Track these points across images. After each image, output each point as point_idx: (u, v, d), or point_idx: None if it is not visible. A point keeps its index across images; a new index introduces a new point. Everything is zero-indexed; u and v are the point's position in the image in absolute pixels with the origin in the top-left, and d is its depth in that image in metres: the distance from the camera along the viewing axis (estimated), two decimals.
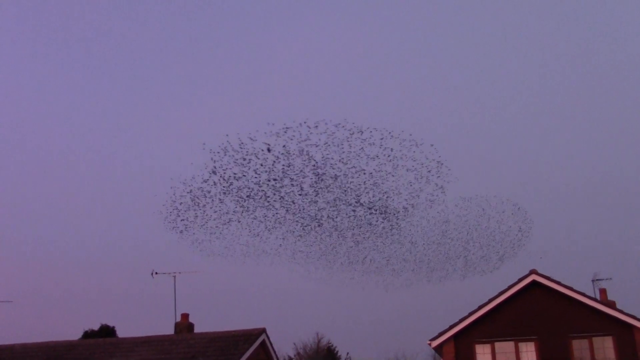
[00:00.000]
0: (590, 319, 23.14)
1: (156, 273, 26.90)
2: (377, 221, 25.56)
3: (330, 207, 24.96)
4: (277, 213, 25.03)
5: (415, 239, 26.68)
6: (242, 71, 66.65)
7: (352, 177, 24.15)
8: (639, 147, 57.36)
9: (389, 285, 28.85)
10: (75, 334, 36.18)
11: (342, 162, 23.61)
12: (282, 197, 24.36)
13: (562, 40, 64.80)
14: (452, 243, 26.90)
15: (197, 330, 25.04)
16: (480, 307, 23.94)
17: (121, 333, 34.34)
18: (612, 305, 23.69)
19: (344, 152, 23.47)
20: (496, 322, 23.78)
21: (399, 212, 25.12)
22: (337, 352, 49.24)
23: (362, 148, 23.35)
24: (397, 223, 25.61)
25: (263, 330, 23.43)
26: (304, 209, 24.88)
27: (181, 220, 25.12)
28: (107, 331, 34.26)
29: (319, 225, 25.44)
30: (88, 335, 33.64)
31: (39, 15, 66.75)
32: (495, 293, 24.18)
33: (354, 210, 25.05)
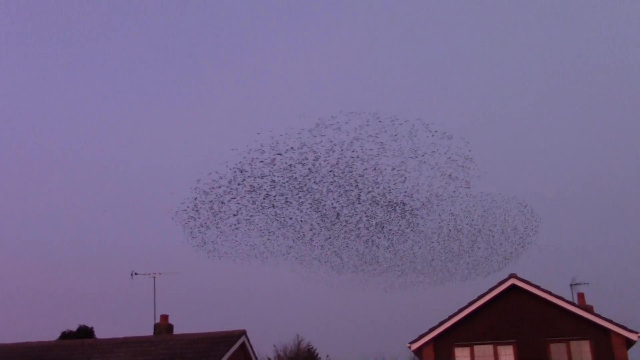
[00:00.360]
0: (568, 323, 23.37)
1: (136, 274, 26.78)
2: (394, 219, 25.28)
3: (347, 206, 24.71)
4: (294, 211, 24.80)
5: (426, 237, 26.41)
6: (270, 67, 65.63)
7: (377, 174, 23.87)
8: (622, 153, 57.57)
9: (389, 286, 28.63)
10: (52, 335, 35.75)
11: (372, 157, 23.34)
12: (304, 195, 24.13)
13: (562, 40, 64.44)
14: (458, 242, 26.67)
15: (176, 331, 24.93)
16: (460, 311, 24.07)
17: (100, 334, 34.04)
18: (589, 309, 23.96)
19: (371, 149, 23.21)
20: (475, 326, 23.92)
21: (417, 209, 24.83)
22: (317, 354, 49.24)
23: (389, 143, 23.07)
24: (414, 221, 25.34)
25: (243, 332, 23.37)
26: (323, 208, 24.65)
27: (193, 219, 24.92)
28: (85, 332, 33.92)
29: (334, 223, 25.19)
30: (66, 336, 33.29)
31: (44, 14, 65.86)
32: (475, 297, 24.38)
33: (372, 209, 24.79)
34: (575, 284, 26.30)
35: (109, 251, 57.80)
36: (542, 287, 23.99)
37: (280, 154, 23.19)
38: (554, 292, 23.92)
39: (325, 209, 24.79)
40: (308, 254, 26.70)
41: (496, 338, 23.69)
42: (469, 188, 24.65)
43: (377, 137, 23.08)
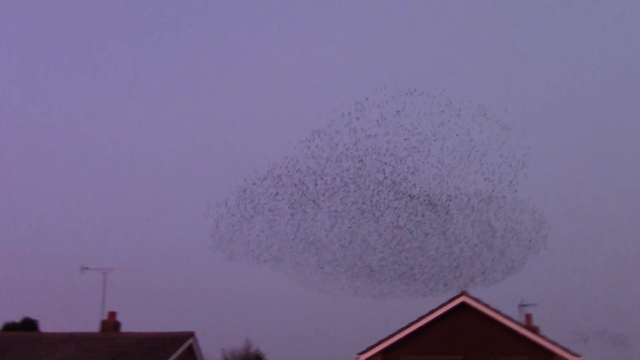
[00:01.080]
0: (514, 343, 23.74)
1: (86, 268, 26.29)
2: (427, 221, 24.20)
3: (377, 207, 23.72)
4: (318, 213, 23.89)
5: (449, 243, 25.33)
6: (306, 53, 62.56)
7: (423, 170, 22.71)
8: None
9: (384, 293, 27.83)
10: None
11: (418, 152, 22.31)
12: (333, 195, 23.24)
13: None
14: (462, 250, 25.72)
15: (124, 330, 24.60)
16: (410, 324, 24.29)
17: (45, 327, 33.39)
18: (535, 330, 24.47)
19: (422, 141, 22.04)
20: (424, 340, 24.16)
21: (455, 212, 23.73)
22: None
23: (443, 136, 21.83)
24: (447, 226, 24.27)
25: (192, 334, 23.19)
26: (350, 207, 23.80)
27: (229, 216, 24.04)
28: (29, 324, 33.29)
29: (375, 221, 24.16)
30: (8, 327, 32.62)
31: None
32: (426, 311, 24.66)
33: (414, 213, 23.74)
34: (524, 305, 26.82)
35: (60, 242, 56.49)
36: (491, 306, 24.38)
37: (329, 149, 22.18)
38: (503, 311, 24.39)
39: (352, 209, 23.96)
40: (321, 258, 25.95)
41: (443, 354, 23.94)
42: (516, 191, 23.44)
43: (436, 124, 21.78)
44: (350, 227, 25.03)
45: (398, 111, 22.20)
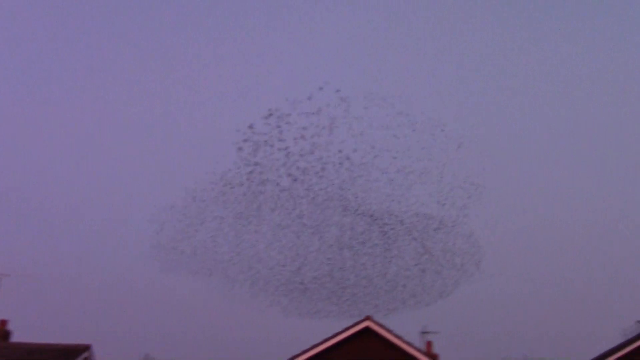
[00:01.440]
0: None
1: None
2: (371, 240, 23.93)
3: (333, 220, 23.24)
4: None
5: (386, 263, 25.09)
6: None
7: (373, 188, 22.36)
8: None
9: (309, 312, 27.44)
10: None
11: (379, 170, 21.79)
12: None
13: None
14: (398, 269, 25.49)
15: (16, 339, 23.53)
16: (313, 347, 24.38)
17: None
18: (435, 358, 25.10)
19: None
20: None
21: (399, 235, 23.43)
22: None
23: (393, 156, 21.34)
24: (387, 245, 24.00)
25: (88, 347, 22.43)
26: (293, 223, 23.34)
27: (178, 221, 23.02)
28: None
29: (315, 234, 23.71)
30: None
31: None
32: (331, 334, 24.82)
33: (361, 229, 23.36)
34: (425, 332, 27.48)
35: None
36: (394, 331, 24.85)
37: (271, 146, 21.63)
38: (405, 337, 24.88)
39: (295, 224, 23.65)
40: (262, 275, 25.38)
41: None
42: (467, 216, 23.52)
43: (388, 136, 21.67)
44: (292, 242, 24.79)
45: (356, 118, 22.05)
